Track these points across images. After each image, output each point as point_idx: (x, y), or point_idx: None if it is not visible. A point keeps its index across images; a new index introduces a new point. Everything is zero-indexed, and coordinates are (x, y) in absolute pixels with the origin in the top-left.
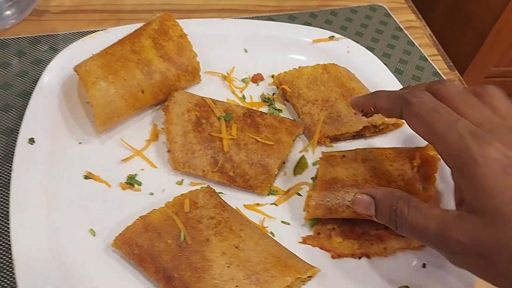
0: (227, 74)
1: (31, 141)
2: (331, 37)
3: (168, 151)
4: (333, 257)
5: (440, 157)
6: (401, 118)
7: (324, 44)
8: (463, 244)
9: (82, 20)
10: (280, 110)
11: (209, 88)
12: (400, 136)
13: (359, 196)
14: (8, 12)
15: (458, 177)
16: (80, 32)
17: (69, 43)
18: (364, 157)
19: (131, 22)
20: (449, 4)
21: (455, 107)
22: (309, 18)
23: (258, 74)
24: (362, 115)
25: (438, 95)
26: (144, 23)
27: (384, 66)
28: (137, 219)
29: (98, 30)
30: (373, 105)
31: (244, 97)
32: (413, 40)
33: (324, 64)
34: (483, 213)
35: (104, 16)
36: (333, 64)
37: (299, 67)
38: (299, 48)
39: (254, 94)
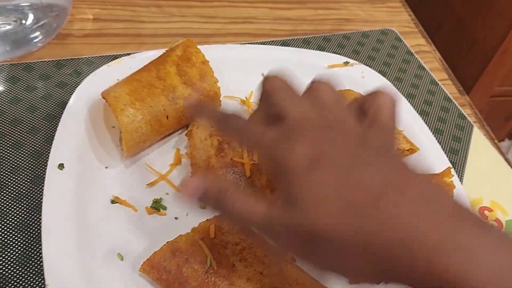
0: (246, 98)
1: (61, 166)
2: (346, 63)
3: (191, 175)
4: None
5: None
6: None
7: (339, 70)
8: (286, 234)
9: (105, 43)
10: None
11: None
12: (415, 162)
13: (188, 179)
14: (36, 36)
15: (273, 171)
16: (103, 56)
17: (93, 66)
18: None
19: (152, 46)
20: (454, 26)
21: (278, 103)
22: (323, 42)
23: None
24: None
25: (264, 90)
26: (167, 49)
27: (397, 91)
28: (165, 244)
29: (121, 54)
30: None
31: None
32: (424, 65)
33: (340, 90)
34: (298, 205)
35: (125, 40)
36: (349, 90)
37: None
38: (313, 73)
39: None
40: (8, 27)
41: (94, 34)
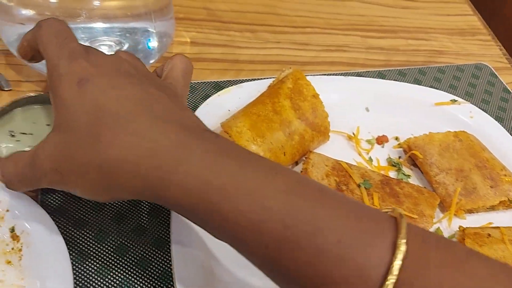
0: (353, 134)
1: None
2: (453, 101)
3: None
4: None
5: None
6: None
7: (447, 108)
8: (45, 163)
9: (205, 69)
10: (408, 176)
11: (335, 148)
12: None
13: None
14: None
15: (51, 97)
16: (205, 82)
17: (196, 93)
18: (510, 238)
19: (250, 73)
20: None
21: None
22: (418, 75)
23: (384, 136)
24: (28, 61)
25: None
26: (273, 78)
27: (510, 136)
28: None
29: (222, 81)
30: (25, 43)
31: (371, 160)
32: None
33: (455, 131)
34: (60, 127)
35: (224, 65)
36: (464, 131)
37: (430, 133)
38: (420, 110)
39: (380, 156)
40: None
41: (194, 59)
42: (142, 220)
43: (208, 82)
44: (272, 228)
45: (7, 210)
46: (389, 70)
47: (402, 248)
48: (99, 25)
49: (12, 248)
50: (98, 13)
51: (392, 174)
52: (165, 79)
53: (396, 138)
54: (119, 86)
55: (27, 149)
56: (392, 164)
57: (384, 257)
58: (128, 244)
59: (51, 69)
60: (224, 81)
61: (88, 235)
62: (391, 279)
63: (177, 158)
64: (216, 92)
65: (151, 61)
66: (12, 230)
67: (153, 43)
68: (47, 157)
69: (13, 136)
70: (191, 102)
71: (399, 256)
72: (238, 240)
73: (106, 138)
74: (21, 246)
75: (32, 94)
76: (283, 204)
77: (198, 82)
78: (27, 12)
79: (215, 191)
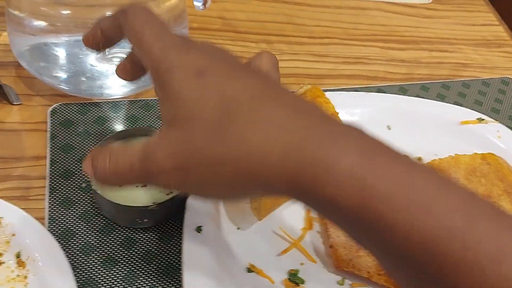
0: None
1: (199, 229)
2: (480, 120)
3: (330, 246)
4: None
5: None
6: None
7: (473, 127)
8: (165, 161)
9: None
10: None
11: None
12: None
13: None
14: None
15: (159, 91)
16: None
17: None
18: None
19: None
20: None
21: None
22: (442, 90)
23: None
24: (96, 50)
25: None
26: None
27: None
28: None
29: None
30: (99, 31)
31: None
32: None
33: (483, 153)
34: (178, 122)
35: None
36: (492, 154)
37: (456, 154)
38: (445, 128)
39: None
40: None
41: None
42: (151, 247)
43: None
44: (450, 249)
45: (13, 235)
46: (411, 84)
47: None
48: None
49: (18, 275)
50: None
51: None
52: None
53: (419, 159)
54: (239, 76)
55: None
56: None
57: None
58: (137, 272)
59: (156, 62)
60: None
61: (95, 261)
62: None
63: (330, 154)
64: None
65: None
66: (18, 255)
67: None
68: (168, 154)
69: None
70: None
71: None
72: (401, 257)
73: (241, 128)
74: (27, 273)
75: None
76: (464, 222)
77: None
78: (39, 24)
79: (381, 199)
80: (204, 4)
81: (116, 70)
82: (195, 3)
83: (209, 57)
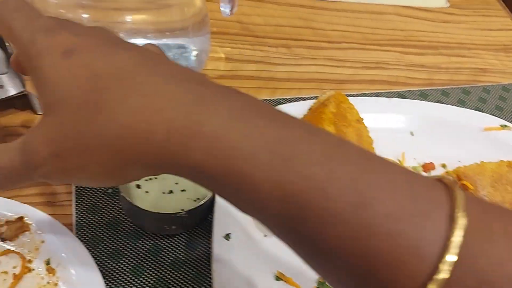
0: (399, 160)
1: (227, 237)
2: (503, 126)
3: None
4: None
5: None
6: None
7: (497, 133)
8: (41, 150)
9: (239, 86)
10: None
11: None
12: None
13: None
14: None
15: (32, 78)
16: None
17: None
18: None
19: (286, 91)
20: None
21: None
22: (462, 95)
23: (430, 163)
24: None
25: None
26: (312, 99)
27: None
28: None
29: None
30: None
31: None
32: None
33: (509, 161)
34: (51, 107)
35: (259, 83)
36: None
37: (481, 162)
38: (468, 135)
39: None
40: None
41: (229, 76)
42: (179, 254)
43: None
44: (312, 200)
45: (43, 241)
46: (432, 89)
47: (462, 221)
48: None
49: (48, 282)
50: (128, 27)
51: None
52: None
53: (443, 166)
54: (112, 52)
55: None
56: None
57: (441, 231)
58: (166, 279)
59: (25, 48)
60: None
61: (124, 268)
62: (451, 257)
63: (198, 119)
64: None
65: None
66: (48, 262)
67: (191, 61)
68: (43, 141)
69: (139, 187)
70: None
71: (459, 230)
72: (271, 216)
73: (111, 105)
74: (57, 281)
75: None
76: (325, 172)
77: None
78: None
79: (246, 158)
80: (231, 9)
81: (10, 63)
82: (222, 9)
83: (79, 36)
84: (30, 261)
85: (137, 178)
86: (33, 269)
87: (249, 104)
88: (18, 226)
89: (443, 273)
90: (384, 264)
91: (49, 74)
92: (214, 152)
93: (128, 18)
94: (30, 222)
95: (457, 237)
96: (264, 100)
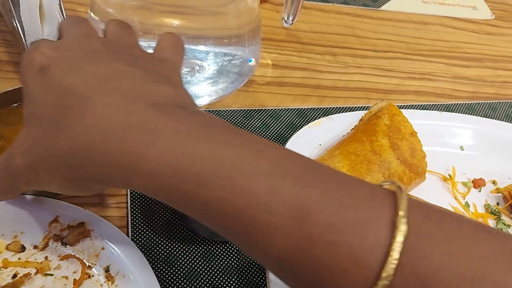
0: (449, 176)
1: None
2: None
3: None
4: None
5: None
6: None
7: None
8: (19, 160)
9: (287, 94)
10: (509, 226)
11: (430, 191)
12: None
13: None
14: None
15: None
16: (288, 108)
17: (279, 120)
18: None
19: (333, 100)
20: None
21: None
22: (510, 110)
23: (481, 179)
24: None
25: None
26: (361, 110)
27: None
28: None
29: (305, 109)
30: None
31: (467, 205)
32: None
33: None
34: (28, 120)
35: (306, 91)
36: None
37: None
38: None
39: (476, 201)
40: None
41: (276, 83)
42: (232, 260)
43: (291, 108)
44: (256, 215)
45: (103, 248)
46: (479, 103)
47: (402, 228)
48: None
49: None
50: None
51: (490, 222)
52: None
53: (494, 182)
54: (82, 67)
55: None
56: (491, 211)
57: (381, 238)
58: (220, 286)
59: (20, 70)
60: (307, 108)
61: (179, 273)
62: (391, 264)
63: (145, 142)
64: (300, 120)
65: (239, 86)
66: (107, 270)
67: (245, 68)
68: (21, 153)
69: None
70: (276, 129)
71: (399, 237)
72: (222, 229)
73: (71, 123)
74: None
75: None
76: (267, 187)
77: (281, 109)
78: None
79: (191, 179)
80: (293, 20)
81: None
82: (285, 19)
83: (57, 50)
84: (90, 267)
85: (102, 191)
86: (93, 276)
87: (196, 125)
88: (80, 232)
89: (385, 280)
90: (328, 272)
91: (29, 89)
92: (161, 175)
93: (193, 24)
94: (91, 228)
95: (398, 243)
96: (311, 108)
